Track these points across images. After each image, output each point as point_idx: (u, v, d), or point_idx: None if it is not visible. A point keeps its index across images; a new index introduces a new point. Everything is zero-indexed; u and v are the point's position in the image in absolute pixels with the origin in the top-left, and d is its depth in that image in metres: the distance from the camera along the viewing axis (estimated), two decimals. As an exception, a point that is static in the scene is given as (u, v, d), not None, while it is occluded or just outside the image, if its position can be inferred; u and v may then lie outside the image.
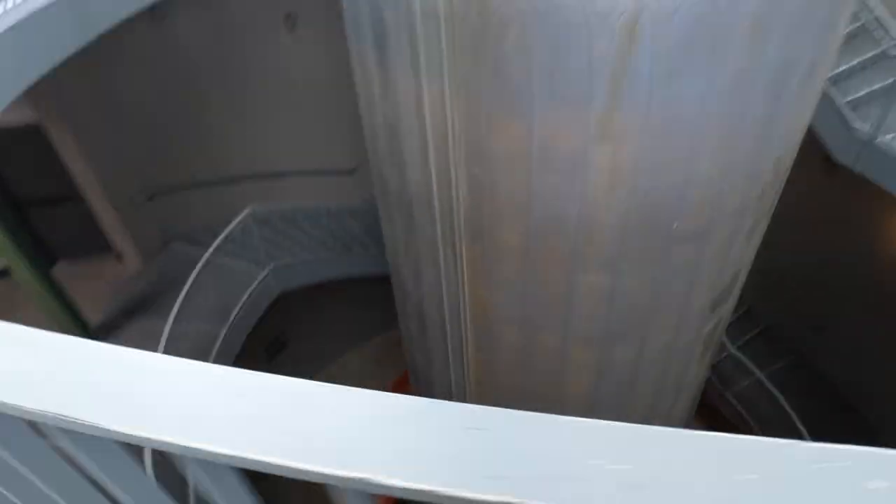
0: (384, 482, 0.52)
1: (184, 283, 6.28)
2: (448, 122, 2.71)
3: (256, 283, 7.01)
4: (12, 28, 3.68)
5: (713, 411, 8.28)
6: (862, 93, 5.42)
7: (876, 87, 5.42)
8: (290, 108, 8.20)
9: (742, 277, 3.60)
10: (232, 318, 6.66)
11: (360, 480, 0.53)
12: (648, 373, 3.72)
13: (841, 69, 5.53)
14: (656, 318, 3.36)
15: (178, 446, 0.57)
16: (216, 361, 6.28)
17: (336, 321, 9.89)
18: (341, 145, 8.84)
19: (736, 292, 3.71)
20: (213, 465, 0.61)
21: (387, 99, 2.97)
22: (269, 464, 0.55)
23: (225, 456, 0.56)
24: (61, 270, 7.63)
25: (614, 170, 2.59)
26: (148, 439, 0.58)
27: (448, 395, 4.41)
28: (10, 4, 3.90)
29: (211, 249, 6.25)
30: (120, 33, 4.91)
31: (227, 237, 6.66)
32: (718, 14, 2.11)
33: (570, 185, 2.66)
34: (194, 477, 0.65)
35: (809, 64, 2.49)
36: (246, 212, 6.70)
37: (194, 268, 6.57)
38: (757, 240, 3.35)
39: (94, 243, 7.43)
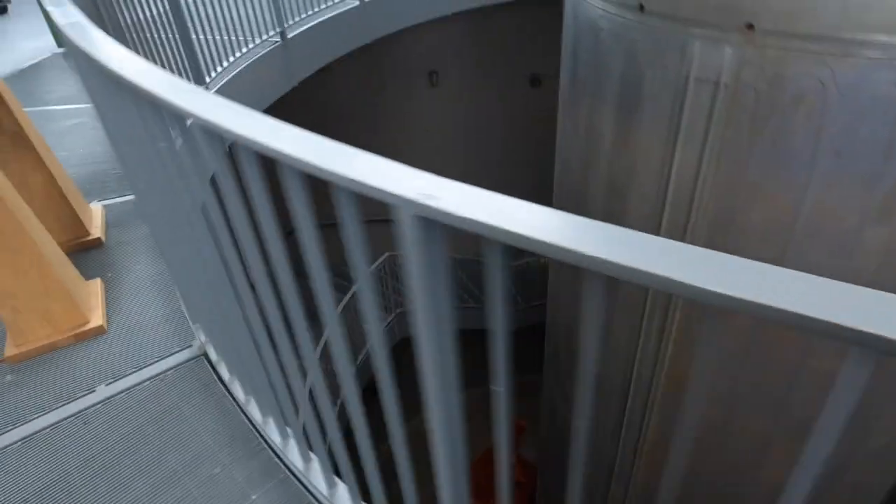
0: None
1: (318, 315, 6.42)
2: (696, 189, 2.65)
3: (383, 327, 7.07)
4: (239, 74, 4.00)
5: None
6: None
7: None
8: (424, 157, 8.46)
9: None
10: (359, 359, 6.72)
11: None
12: (858, 471, 3.38)
13: None
14: (882, 418, 3.07)
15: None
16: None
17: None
18: (465, 197, 8.96)
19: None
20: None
21: (619, 160, 2.96)
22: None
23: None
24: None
25: (887, 252, 2.43)
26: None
27: (609, 471, 4.18)
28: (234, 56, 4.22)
29: (352, 291, 6.38)
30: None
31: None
32: None
33: (832, 263, 2.51)
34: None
35: None
36: (384, 256, 6.84)
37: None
38: None
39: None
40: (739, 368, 3.05)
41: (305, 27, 4.79)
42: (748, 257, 2.25)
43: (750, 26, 2.19)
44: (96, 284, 2.51)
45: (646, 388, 3.49)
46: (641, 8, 2.50)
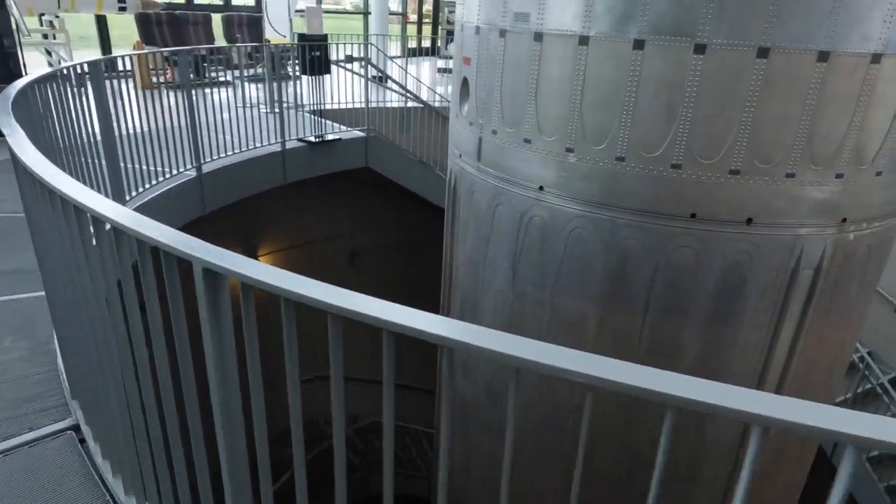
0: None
1: None
2: (793, 360, 2.94)
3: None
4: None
5: None
6: None
7: None
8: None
9: None
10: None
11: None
12: None
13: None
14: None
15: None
16: None
17: None
18: None
19: None
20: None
21: (707, 365, 2.91)
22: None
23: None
24: None
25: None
26: None
27: None
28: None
29: None
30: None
31: None
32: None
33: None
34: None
35: None
36: None
37: None
38: None
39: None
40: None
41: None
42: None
43: (844, 220, 2.69)
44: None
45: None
46: (749, 221, 2.63)
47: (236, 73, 7.09)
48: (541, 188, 2.95)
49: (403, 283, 9.60)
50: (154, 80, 9.24)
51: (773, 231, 2.65)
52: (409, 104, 7.69)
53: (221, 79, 8.95)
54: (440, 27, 16.37)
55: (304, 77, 6.14)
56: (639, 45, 2.48)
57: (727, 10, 2.32)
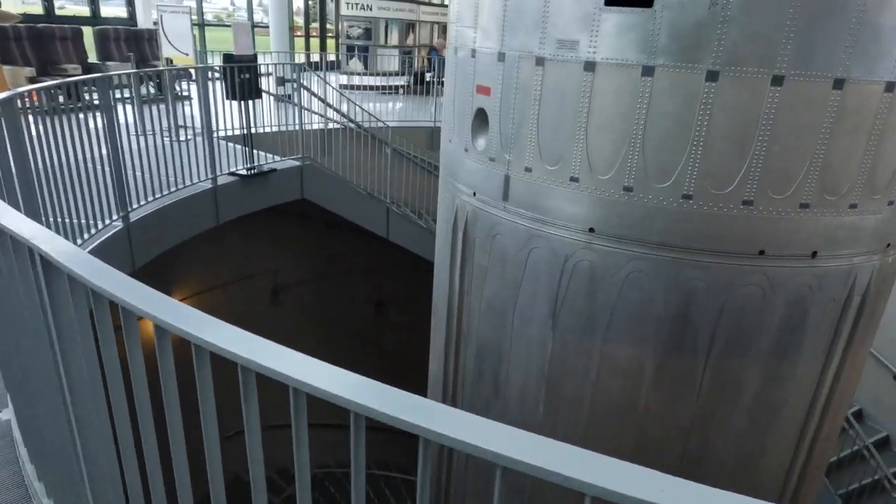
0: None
1: None
2: (837, 389, 2.93)
3: None
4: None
5: None
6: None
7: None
8: None
9: None
10: None
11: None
12: None
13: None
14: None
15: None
16: None
17: None
18: None
19: None
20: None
21: (763, 403, 2.81)
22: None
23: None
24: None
25: None
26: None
27: None
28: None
29: None
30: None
31: None
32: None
33: None
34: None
35: None
36: None
37: None
38: None
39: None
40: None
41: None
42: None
43: (888, 245, 2.71)
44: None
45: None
46: (814, 255, 2.55)
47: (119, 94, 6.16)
48: (591, 230, 2.70)
49: (330, 316, 8.97)
50: (19, 104, 7.84)
51: (833, 262, 2.61)
52: (331, 126, 7.16)
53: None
54: (336, 40, 15.76)
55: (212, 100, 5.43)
56: (712, 76, 2.31)
57: (807, 41, 2.22)
